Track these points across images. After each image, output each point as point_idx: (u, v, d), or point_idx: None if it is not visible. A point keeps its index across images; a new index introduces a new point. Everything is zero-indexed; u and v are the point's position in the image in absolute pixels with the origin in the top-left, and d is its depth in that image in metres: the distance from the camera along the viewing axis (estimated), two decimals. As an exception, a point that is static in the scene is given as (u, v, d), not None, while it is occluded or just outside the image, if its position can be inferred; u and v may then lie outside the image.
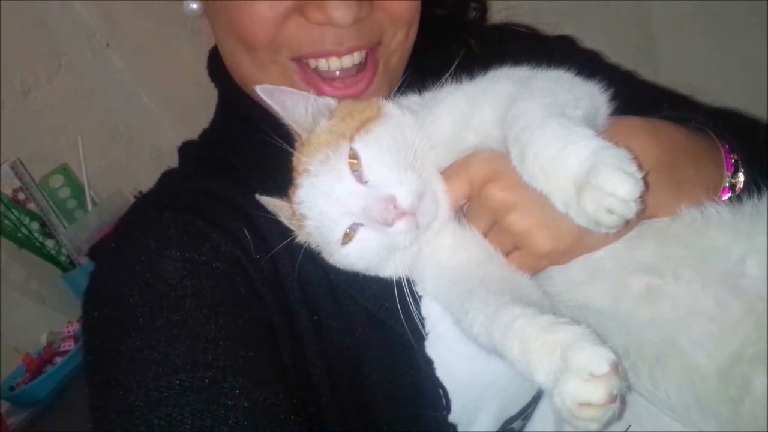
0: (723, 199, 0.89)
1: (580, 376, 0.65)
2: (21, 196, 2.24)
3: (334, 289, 0.95)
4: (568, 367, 0.66)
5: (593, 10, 1.97)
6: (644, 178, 0.69)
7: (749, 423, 0.75)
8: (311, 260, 0.94)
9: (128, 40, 2.49)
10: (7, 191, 2.22)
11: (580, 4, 1.97)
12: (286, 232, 0.94)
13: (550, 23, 1.45)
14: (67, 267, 2.27)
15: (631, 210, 0.67)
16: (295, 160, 0.94)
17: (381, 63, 1.02)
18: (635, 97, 0.97)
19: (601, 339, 0.68)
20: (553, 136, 0.73)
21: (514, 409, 1.00)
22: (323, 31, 0.94)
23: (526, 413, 1.01)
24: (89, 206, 2.33)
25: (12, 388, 2.04)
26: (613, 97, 0.89)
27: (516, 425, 1.01)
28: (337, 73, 0.99)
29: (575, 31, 1.36)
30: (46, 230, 2.27)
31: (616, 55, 1.34)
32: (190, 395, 0.75)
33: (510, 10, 1.48)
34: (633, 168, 0.67)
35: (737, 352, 0.77)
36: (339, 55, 0.97)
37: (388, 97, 0.99)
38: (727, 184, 0.90)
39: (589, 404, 0.65)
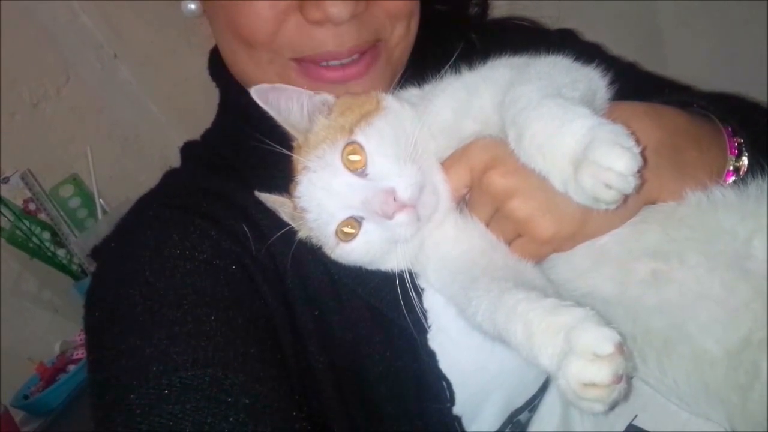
0: (727, 182, 0.88)
1: (584, 356, 0.64)
2: (32, 206, 2.27)
3: (335, 284, 0.95)
4: (573, 349, 0.65)
5: (596, 5, 1.96)
6: (642, 153, 0.68)
7: (759, 410, 0.73)
8: (312, 256, 0.93)
9: (135, 51, 2.52)
10: (18, 202, 2.25)
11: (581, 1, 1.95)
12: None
13: (552, 17, 1.44)
14: (78, 276, 2.29)
15: (629, 184, 0.66)
16: (295, 162, 0.94)
17: (383, 55, 1.02)
18: (637, 87, 0.96)
19: (606, 320, 0.67)
20: (550, 115, 0.72)
21: (520, 401, 0.98)
22: (323, 32, 0.93)
23: (532, 405, 0.99)
24: (100, 215, 2.36)
25: (26, 397, 2.06)
26: (615, 87, 0.88)
27: (522, 417, 1.00)
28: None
29: (578, 27, 1.34)
30: (58, 240, 2.29)
31: (621, 51, 1.32)
32: (190, 393, 0.74)
33: (512, 4, 1.48)
34: (630, 143, 0.67)
35: (746, 336, 0.75)
36: (340, 57, 0.97)
37: (387, 90, 0.99)
38: (731, 168, 0.89)
39: (594, 385, 0.64)
